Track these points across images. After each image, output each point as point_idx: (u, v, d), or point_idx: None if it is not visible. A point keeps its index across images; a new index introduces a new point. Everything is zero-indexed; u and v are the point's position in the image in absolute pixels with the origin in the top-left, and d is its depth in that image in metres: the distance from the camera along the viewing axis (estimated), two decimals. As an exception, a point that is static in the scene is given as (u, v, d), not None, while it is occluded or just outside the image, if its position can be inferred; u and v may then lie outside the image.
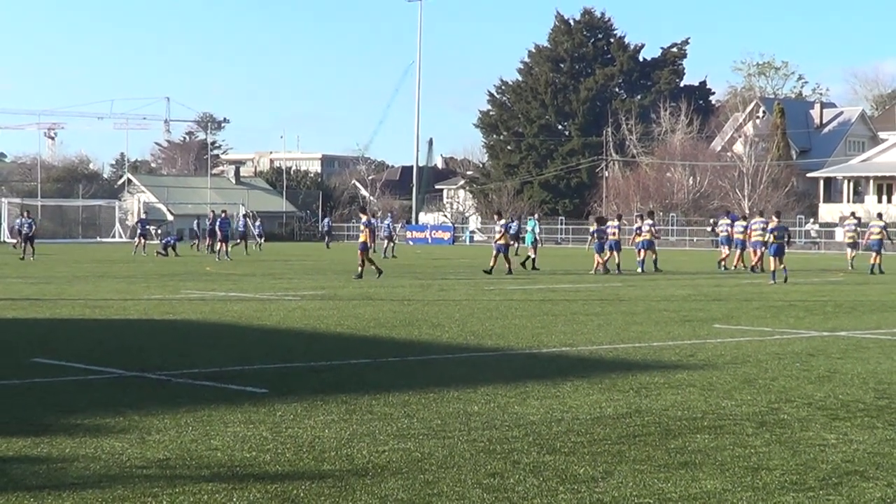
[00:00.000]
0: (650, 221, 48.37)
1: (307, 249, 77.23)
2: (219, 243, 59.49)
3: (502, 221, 45.20)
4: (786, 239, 38.22)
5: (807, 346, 18.72)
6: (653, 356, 17.16)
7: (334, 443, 10.49)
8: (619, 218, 50.09)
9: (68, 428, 11.07)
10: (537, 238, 51.41)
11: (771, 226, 38.47)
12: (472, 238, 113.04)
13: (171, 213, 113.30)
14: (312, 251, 74.15)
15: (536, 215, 59.25)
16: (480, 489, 8.83)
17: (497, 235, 44.46)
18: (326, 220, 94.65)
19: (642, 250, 46.80)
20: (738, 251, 48.55)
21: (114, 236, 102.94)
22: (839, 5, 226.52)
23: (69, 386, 14.07)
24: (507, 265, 42.88)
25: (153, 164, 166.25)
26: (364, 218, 40.03)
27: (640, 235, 47.64)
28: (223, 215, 61.82)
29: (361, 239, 39.33)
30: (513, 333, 20.27)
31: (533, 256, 47.87)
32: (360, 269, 38.59)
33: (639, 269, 45.22)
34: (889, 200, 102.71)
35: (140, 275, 41.12)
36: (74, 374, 14.92)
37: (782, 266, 37.02)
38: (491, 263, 42.99)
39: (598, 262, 44.73)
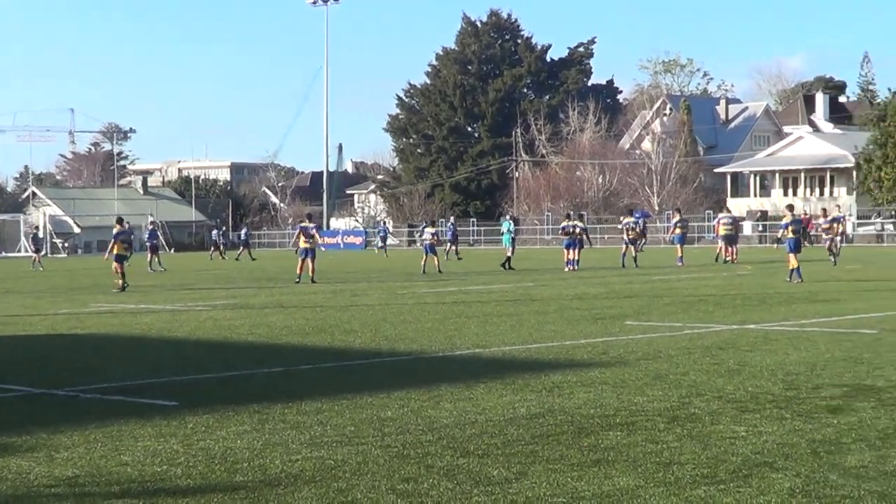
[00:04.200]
0: (680, 218, 53.08)
1: (220, 260, 76.64)
2: (149, 254, 58.70)
3: (430, 230, 48.62)
4: (801, 233, 37.54)
5: (717, 339, 18.88)
6: (565, 355, 17.21)
7: (247, 453, 10.40)
8: (581, 217, 51.12)
9: (-26, 448, 10.87)
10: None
11: (785, 220, 36.43)
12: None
13: (79, 226, 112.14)
14: (226, 261, 73.65)
15: (509, 215, 58.99)
16: (394, 495, 8.79)
17: (429, 238, 47.41)
18: (244, 229, 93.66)
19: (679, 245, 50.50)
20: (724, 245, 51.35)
21: (19, 251, 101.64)
22: (742, 3, 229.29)
23: (-25, 405, 13.82)
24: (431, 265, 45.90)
25: (59, 177, 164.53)
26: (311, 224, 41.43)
27: (675, 231, 51.97)
28: (151, 227, 61.87)
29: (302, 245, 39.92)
30: (426, 337, 20.25)
31: (510, 256, 48.82)
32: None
33: (679, 264, 47.68)
34: (794, 193, 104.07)
35: (47, 289, 40.60)
36: (-20, 393, 14.66)
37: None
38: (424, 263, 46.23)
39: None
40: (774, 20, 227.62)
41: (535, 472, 9.43)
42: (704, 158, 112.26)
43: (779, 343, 18.13)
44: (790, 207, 38.63)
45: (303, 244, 40.20)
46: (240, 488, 9.13)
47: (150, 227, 62.64)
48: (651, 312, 24.73)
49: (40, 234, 75.51)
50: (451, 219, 73.50)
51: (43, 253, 69.14)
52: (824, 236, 47.62)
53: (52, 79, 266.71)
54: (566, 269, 45.37)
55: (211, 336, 21.52)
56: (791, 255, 34.91)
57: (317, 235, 42.02)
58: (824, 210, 54.64)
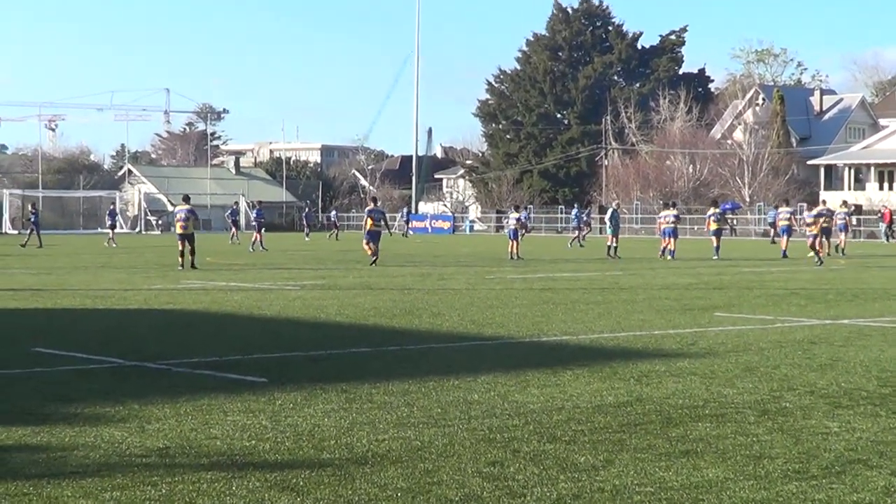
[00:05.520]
0: (788, 209, 51.91)
1: (314, 239, 77.07)
2: (255, 234, 58.36)
3: (515, 215, 48.79)
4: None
5: (809, 334, 18.65)
6: (654, 344, 17.10)
7: (334, 431, 10.44)
8: (674, 206, 50.95)
9: (68, 417, 11.03)
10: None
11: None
12: (472, 227, 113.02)
13: (172, 204, 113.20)
14: (318, 241, 74.06)
15: (615, 204, 57.78)
16: (480, 478, 8.78)
17: (514, 223, 47.43)
18: (333, 211, 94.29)
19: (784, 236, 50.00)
20: (786, 238, 50.28)
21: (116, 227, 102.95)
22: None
23: (69, 375, 14.02)
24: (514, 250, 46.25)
25: (153, 155, 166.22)
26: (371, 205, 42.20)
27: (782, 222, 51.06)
28: (258, 206, 61.76)
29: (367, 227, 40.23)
30: (513, 322, 20.22)
31: (612, 244, 48.40)
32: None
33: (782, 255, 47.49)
34: (890, 188, 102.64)
35: (140, 265, 41.09)
36: (74, 364, 14.88)
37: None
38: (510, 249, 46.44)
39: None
40: (871, 10, 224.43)
41: (623, 460, 9.37)
42: (797, 150, 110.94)
43: (873, 339, 17.87)
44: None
45: (369, 226, 40.59)
46: (326, 465, 9.16)
47: (257, 206, 62.15)
48: (741, 304, 24.50)
49: (115, 209, 76.26)
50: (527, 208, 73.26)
51: (117, 229, 69.80)
52: (807, 232, 44.02)
53: (148, 59, 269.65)
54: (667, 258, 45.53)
55: (300, 315, 21.65)
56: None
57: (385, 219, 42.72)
58: (844, 202, 52.91)
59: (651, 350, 16.42)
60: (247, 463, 9.25)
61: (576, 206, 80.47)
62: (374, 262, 39.44)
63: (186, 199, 39.68)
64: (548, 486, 8.55)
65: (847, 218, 55.72)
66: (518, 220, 48.14)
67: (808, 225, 43.92)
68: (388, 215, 47.04)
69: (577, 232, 67.45)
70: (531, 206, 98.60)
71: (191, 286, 29.68)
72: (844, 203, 58.68)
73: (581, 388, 12.85)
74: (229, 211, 76.28)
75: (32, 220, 62.33)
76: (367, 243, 40.39)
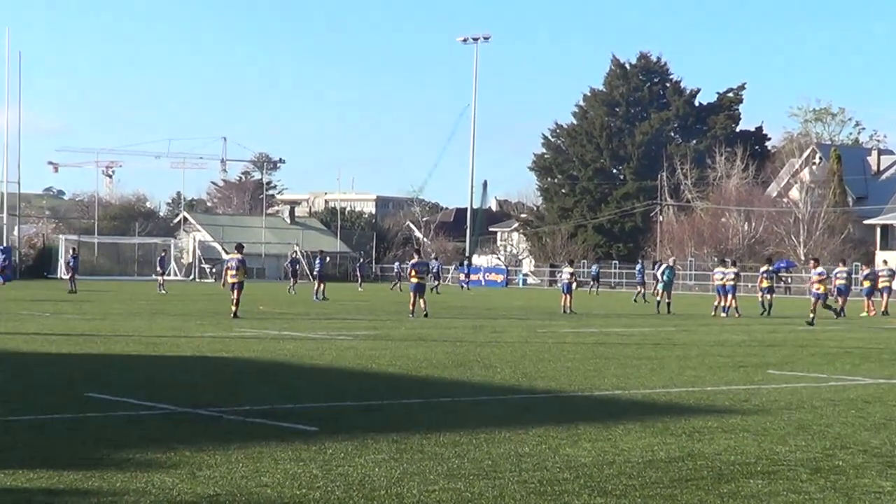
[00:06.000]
0: (845, 269, 50.89)
1: (367, 290, 77.24)
2: (316, 282, 57.70)
3: (569, 269, 48.89)
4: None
5: (863, 392, 18.51)
6: (706, 401, 17.02)
7: (384, 481, 10.45)
8: (734, 263, 50.75)
9: (119, 462, 11.10)
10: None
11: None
12: (525, 281, 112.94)
13: (226, 252, 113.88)
14: (371, 291, 74.19)
15: (671, 261, 57.06)
16: (530, 530, 8.76)
17: (567, 277, 47.60)
18: (396, 263, 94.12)
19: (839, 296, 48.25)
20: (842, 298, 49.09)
21: (169, 274, 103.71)
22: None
23: (121, 421, 14.11)
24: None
25: (209, 203, 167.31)
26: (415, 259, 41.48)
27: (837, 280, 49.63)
28: (321, 254, 60.86)
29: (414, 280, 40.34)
30: (565, 376, 20.18)
31: (667, 301, 48.25)
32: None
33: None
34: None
35: (194, 312, 41.32)
36: (126, 410, 14.97)
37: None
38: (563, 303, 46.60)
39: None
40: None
41: (674, 515, 9.32)
42: (854, 209, 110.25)
43: (927, 399, 17.71)
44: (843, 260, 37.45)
45: (413, 279, 40.95)
46: (377, 515, 9.17)
47: (320, 256, 61.19)
48: (795, 362, 24.34)
49: (167, 257, 76.63)
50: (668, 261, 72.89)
51: (168, 275, 70.06)
52: (812, 289, 42.96)
53: (206, 107, 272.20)
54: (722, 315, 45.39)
55: (352, 365, 21.69)
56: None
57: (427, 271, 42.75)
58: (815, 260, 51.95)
59: (703, 406, 16.34)
60: (297, 511, 9.27)
61: (640, 260, 79.87)
62: (425, 314, 39.64)
63: (240, 247, 39.95)
64: (597, 540, 8.52)
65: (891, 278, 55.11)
66: (571, 274, 47.97)
67: (814, 283, 42.92)
68: (443, 267, 46.71)
69: (640, 287, 67.21)
70: (600, 262, 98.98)
71: (244, 334, 29.82)
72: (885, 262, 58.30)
73: (633, 443, 12.81)
74: (289, 261, 76.36)
75: (72, 264, 62.53)
76: (413, 295, 40.73)
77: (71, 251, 65.24)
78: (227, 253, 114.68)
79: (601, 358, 24.24)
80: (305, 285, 72.99)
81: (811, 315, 40.52)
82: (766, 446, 12.78)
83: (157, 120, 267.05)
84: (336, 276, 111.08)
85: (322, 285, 56.80)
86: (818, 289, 41.95)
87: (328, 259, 72.87)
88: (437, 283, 75.71)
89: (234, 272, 38.02)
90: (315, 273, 59.11)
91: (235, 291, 37.64)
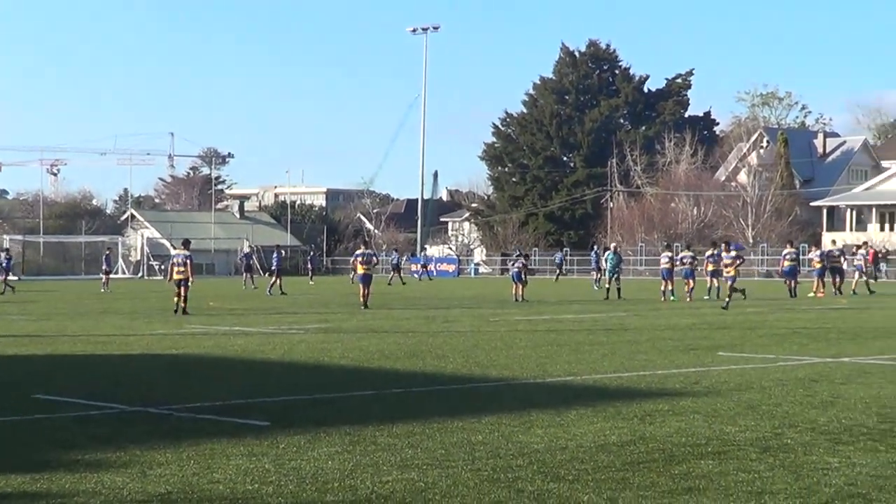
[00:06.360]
0: (792, 250, 52.26)
1: (319, 283, 77.08)
2: (273, 277, 57.69)
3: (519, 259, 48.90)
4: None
5: (810, 372, 18.68)
6: (657, 384, 17.11)
7: (337, 474, 10.45)
8: (688, 247, 51.26)
9: (68, 463, 11.03)
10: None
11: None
12: (476, 270, 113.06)
13: (175, 249, 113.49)
14: (322, 284, 74.06)
15: (613, 246, 57.26)
16: (483, 518, 8.79)
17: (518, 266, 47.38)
18: (395, 255, 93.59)
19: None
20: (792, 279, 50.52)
21: (117, 272, 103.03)
22: (842, 36, 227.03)
23: (70, 422, 14.02)
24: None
25: (157, 200, 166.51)
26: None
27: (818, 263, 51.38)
28: (277, 249, 60.83)
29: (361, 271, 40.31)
30: (517, 364, 20.23)
31: (617, 287, 48.00)
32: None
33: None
34: (892, 228, 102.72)
35: (143, 310, 41.11)
36: (75, 410, 14.87)
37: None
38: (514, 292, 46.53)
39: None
40: (875, 54, 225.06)
41: (626, 498, 9.38)
42: (801, 192, 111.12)
43: (873, 376, 17.90)
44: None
45: (360, 270, 40.94)
46: (330, 508, 9.17)
47: (277, 251, 61.19)
48: (744, 344, 24.51)
49: (112, 255, 75.94)
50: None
51: (115, 273, 69.27)
52: (725, 273, 42.05)
53: (152, 103, 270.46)
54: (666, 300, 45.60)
55: (304, 359, 21.66)
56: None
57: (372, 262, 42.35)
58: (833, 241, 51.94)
59: (654, 390, 16.43)
60: (249, 505, 9.25)
61: (594, 247, 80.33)
62: (365, 305, 39.64)
63: (186, 243, 39.71)
64: (549, 526, 8.56)
65: (840, 259, 55.52)
66: (522, 263, 47.92)
67: (727, 266, 41.77)
68: (401, 259, 46.18)
69: (595, 273, 67.22)
70: (567, 250, 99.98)
71: (194, 331, 29.69)
72: (863, 244, 58.44)
73: (585, 428, 12.86)
74: (242, 255, 75.96)
75: (4, 265, 61.27)
76: (361, 287, 40.58)
77: (4, 252, 64.04)
78: (175, 250, 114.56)
79: (553, 345, 24.31)
80: (260, 280, 72.66)
81: (727, 300, 39.86)
82: (716, 427, 12.87)
83: (103, 117, 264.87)
84: (287, 269, 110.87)
85: (279, 280, 56.84)
86: (729, 272, 41.24)
87: (284, 253, 73.00)
88: (393, 275, 76.72)
89: (180, 268, 37.77)
90: (273, 268, 59.02)
91: (182, 288, 37.40)
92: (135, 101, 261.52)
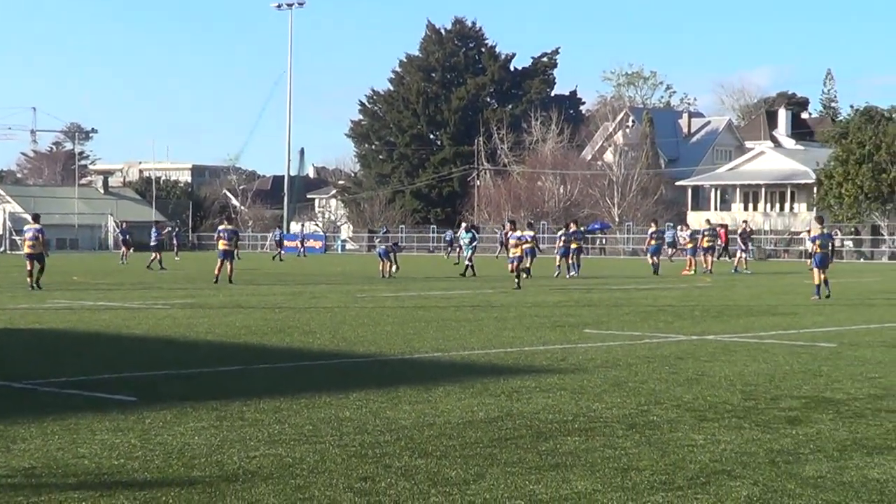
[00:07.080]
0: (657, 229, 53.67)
1: (184, 259, 76.27)
2: (154, 253, 58.23)
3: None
4: (830, 248, 33.54)
5: (676, 349, 18.95)
6: (524, 361, 17.23)
7: (204, 449, 10.36)
8: (530, 226, 51.70)
9: (-71, 438, 10.79)
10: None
11: (814, 233, 33.77)
12: (343, 247, 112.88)
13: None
14: (188, 260, 73.32)
15: (468, 224, 58.67)
16: (352, 493, 8.78)
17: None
18: (278, 231, 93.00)
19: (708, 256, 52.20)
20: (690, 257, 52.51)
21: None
22: (706, 17, 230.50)
23: (-70, 396, 13.72)
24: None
25: (19, 175, 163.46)
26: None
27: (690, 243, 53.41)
28: (156, 225, 61.35)
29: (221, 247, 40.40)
30: (385, 340, 20.24)
31: (470, 263, 48.41)
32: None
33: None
34: (755, 208, 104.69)
35: (5, 284, 40.35)
36: (-64, 385, 14.55)
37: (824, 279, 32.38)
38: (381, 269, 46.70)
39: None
40: (738, 35, 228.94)
41: (493, 474, 9.43)
42: (666, 171, 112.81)
43: (738, 354, 18.22)
44: (820, 220, 35.35)
45: (222, 246, 41.31)
46: (197, 483, 9.10)
47: (156, 227, 61.86)
48: (610, 321, 24.80)
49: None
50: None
51: None
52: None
53: (14, 77, 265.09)
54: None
55: (170, 334, 21.44)
56: (816, 271, 32.52)
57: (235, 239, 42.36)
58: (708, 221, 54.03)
59: (522, 366, 16.54)
60: (115, 482, 9.13)
61: (462, 224, 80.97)
62: (226, 280, 39.94)
63: (36, 218, 39.14)
64: (419, 501, 8.58)
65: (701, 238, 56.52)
66: (388, 240, 48.28)
67: (512, 246, 39.85)
68: (260, 234, 46.55)
69: (454, 251, 68.19)
70: (452, 233, 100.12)
71: (57, 305, 29.23)
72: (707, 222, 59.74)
73: (452, 404, 12.91)
74: (119, 230, 75.30)
75: None
76: (222, 262, 40.83)
77: None
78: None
79: (421, 321, 24.36)
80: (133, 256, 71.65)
81: (517, 280, 38.68)
82: (582, 404, 13.00)
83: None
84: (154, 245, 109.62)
85: (158, 255, 57.02)
86: (515, 252, 39.60)
87: (167, 230, 73.86)
88: (279, 251, 79.57)
89: (31, 243, 37.12)
90: (153, 243, 59.51)
91: (34, 263, 36.74)
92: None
